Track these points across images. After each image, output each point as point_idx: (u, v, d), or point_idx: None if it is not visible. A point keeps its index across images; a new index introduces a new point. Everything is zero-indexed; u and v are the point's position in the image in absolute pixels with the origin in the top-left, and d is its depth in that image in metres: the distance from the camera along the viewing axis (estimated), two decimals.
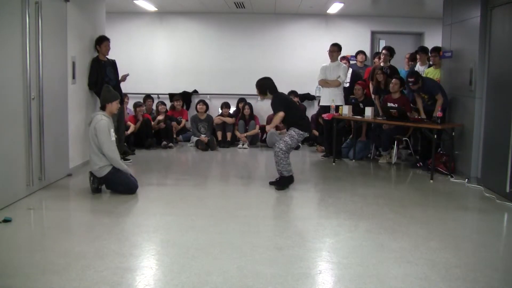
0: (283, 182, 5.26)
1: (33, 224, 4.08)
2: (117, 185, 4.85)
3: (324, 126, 7.44)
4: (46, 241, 3.55)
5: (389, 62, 7.29)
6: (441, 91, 6.20)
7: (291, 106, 5.32)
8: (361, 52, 8.31)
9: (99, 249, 3.30)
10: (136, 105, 7.99)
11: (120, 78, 6.59)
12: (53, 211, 4.39)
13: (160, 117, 8.11)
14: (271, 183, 5.37)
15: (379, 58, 7.63)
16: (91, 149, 4.79)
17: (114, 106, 4.95)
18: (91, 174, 4.85)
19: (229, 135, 8.32)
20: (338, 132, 6.93)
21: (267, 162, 7.31)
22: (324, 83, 7.09)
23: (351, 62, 8.29)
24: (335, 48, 7.09)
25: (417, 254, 3.32)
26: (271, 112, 8.65)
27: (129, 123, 7.65)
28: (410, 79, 6.26)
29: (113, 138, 4.80)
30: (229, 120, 8.36)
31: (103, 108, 4.93)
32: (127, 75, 6.75)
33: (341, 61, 7.85)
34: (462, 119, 6.03)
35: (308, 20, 9.41)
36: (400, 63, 7.87)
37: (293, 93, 8.93)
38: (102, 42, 6.31)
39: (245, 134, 8.32)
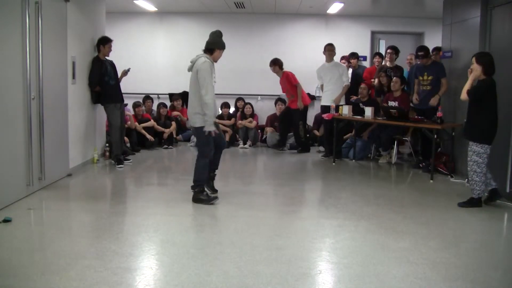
0: (468, 202, 4.62)
1: (33, 224, 4.07)
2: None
3: (324, 126, 7.44)
4: (46, 241, 3.55)
5: (395, 61, 7.26)
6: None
7: (494, 97, 4.52)
8: (353, 56, 8.17)
9: (99, 249, 3.30)
10: (135, 105, 7.99)
11: (121, 73, 6.58)
12: (53, 211, 4.39)
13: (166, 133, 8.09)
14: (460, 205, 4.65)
15: (380, 58, 7.61)
16: (193, 94, 4.74)
17: (219, 54, 4.80)
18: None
19: (227, 136, 8.32)
20: (338, 132, 6.93)
21: (267, 162, 7.31)
22: (339, 100, 7.13)
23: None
24: (332, 48, 7.14)
25: (417, 254, 3.32)
26: (270, 112, 8.74)
27: (129, 122, 7.66)
28: (420, 53, 6.24)
29: (214, 83, 4.60)
30: (227, 123, 8.38)
31: (210, 52, 4.74)
32: (129, 69, 6.65)
33: (340, 61, 7.83)
34: (462, 119, 6.02)
35: (308, 20, 9.41)
36: (399, 63, 7.85)
37: None
38: (106, 42, 6.31)
39: (240, 122, 8.38)
